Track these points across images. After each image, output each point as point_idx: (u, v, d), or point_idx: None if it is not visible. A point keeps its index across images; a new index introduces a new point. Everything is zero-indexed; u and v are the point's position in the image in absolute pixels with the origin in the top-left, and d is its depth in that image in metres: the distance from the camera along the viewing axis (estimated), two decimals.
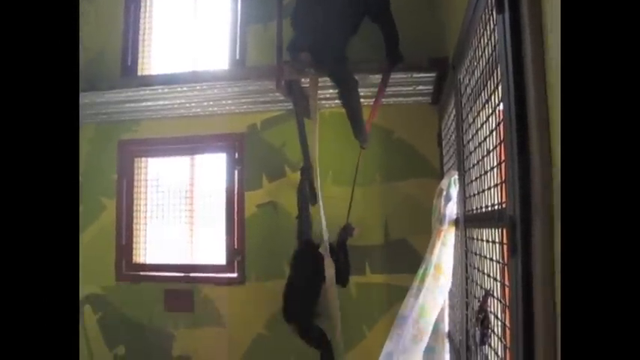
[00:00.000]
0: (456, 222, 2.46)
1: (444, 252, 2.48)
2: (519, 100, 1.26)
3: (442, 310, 2.70)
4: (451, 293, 2.72)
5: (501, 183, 1.44)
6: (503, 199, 1.41)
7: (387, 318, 3.72)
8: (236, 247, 4.18)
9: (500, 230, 1.50)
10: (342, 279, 3.52)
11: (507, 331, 1.41)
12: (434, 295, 2.46)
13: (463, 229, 2.25)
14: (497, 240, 1.52)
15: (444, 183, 2.59)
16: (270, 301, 4.05)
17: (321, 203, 3.44)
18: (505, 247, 1.39)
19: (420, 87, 3.61)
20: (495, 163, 1.53)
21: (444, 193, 2.51)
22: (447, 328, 2.85)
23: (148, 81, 3.80)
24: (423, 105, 3.89)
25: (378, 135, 3.94)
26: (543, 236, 1.15)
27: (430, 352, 2.75)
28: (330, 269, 3.37)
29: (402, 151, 3.93)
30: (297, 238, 3.65)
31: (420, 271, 2.51)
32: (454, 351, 2.66)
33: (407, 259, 3.70)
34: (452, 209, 2.47)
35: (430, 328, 2.51)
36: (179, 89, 3.71)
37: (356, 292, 3.92)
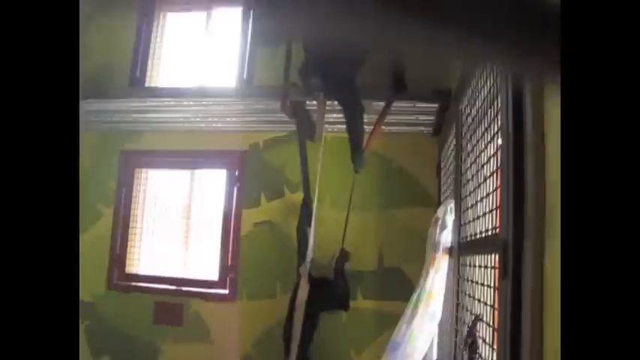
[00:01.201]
0: (450, 250, 2.49)
1: (436, 279, 2.49)
2: (517, 128, 1.30)
3: (432, 338, 2.71)
4: (440, 322, 2.73)
5: (496, 208, 1.47)
6: (497, 224, 1.44)
7: (376, 344, 3.71)
8: (229, 263, 4.18)
9: (492, 256, 1.52)
10: (344, 304, 3.53)
11: (495, 355, 1.42)
12: (423, 321, 2.47)
13: (457, 257, 2.27)
14: (489, 265, 1.55)
15: (440, 211, 2.62)
16: (259, 321, 4.04)
17: (313, 224, 3.45)
18: (496, 271, 1.42)
19: (422, 117, 3.66)
20: (491, 189, 1.56)
21: (440, 221, 2.54)
22: (435, 357, 2.85)
23: (155, 92, 3.86)
24: (424, 135, 3.94)
25: (378, 162, 3.99)
26: (534, 260, 1.18)
27: None
28: (303, 291, 3.36)
29: (400, 179, 3.97)
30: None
31: (414, 298, 2.53)
32: None
33: (400, 286, 3.70)
34: (447, 237, 2.49)
35: (417, 354, 2.51)
36: (185, 103, 3.76)
37: (346, 317, 3.91)
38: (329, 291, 3.47)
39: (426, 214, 3.49)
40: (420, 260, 2.88)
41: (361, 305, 3.92)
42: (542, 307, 1.17)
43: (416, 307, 2.47)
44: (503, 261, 1.29)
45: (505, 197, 1.32)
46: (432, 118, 3.63)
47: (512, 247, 1.25)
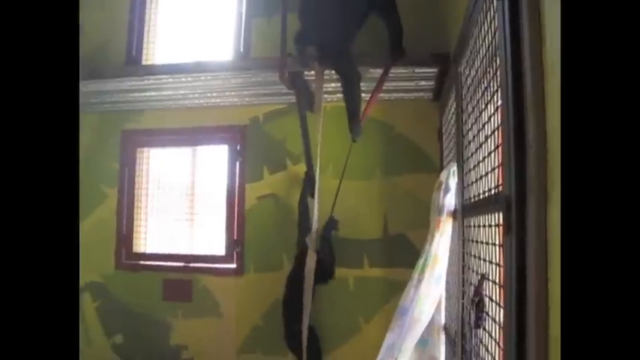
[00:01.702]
0: (454, 213, 2.49)
1: (441, 243, 2.50)
2: (517, 82, 1.29)
3: (438, 302, 2.72)
4: (447, 285, 2.75)
5: (498, 166, 1.47)
6: (500, 182, 1.44)
7: (384, 312, 3.75)
8: (235, 238, 4.21)
9: (496, 215, 1.52)
10: (324, 275, 3.55)
11: (501, 311, 1.43)
12: (429, 285, 2.48)
13: (461, 219, 2.28)
14: (493, 223, 1.55)
15: (443, 175, 2.62)
16: (268, 293, 4.08)
17: (316, 195, 3.45)
18: (501, 229, 1.42)
19: (422, 83, 3.64)
20: (493, 148, 1.55)
21: (443, 184, 2.54)
22: (443, 321, 2.87)
23: (153, 70, 3.83)
24: (425, 101, 3.92)
25: (379, 130, 3.98)
26: (537, 214, 1.18)
27: (423, 344, 2.77)
28: (311, 261, 3.38)
29: (402, 146, 3.96)
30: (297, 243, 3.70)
31: (420, 262, 2.54)
32: (449, 342, 2.68)
33: (405, 253, 3.72)
34: (450, 200, 2.50)
35: (424, 317, 2.53)
36: (183, 79, 3.74)
37: (353, 286, 3.95)
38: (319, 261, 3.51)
39: (428, 180, 3.48)
40: (424, 226, 2.88)
41: (368, 273, 3.95)
42: (547, 260, 1.17)
43: (422, 271, 2.49)
44: (506, 217, 1.29)
45: (507, 154, 1.32)
46: (432, 83, 3.60)
47: (516, 203, 1.25)
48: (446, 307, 2.86)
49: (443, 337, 2.82)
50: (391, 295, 3.70)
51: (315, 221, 3.42)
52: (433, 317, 2.71)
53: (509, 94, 1.31)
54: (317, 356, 3.68)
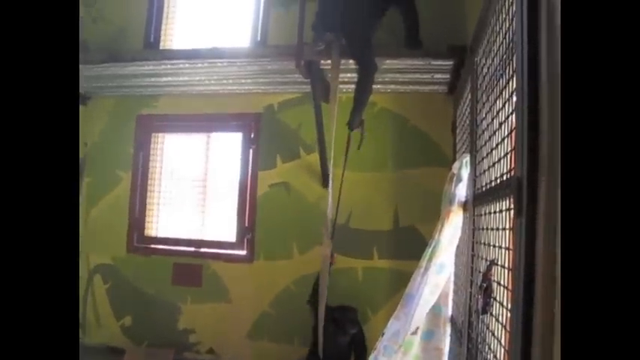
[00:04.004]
0: (465, 204, 2.49)
1: (449, 232, 2.50)
2: (532, 68, 1.29)
3: (445, 294, 2.72)
4: (456, 277, 2.75)
5: (511, 151, 1.48)
6: (512, 166, 1.45)
7: (392, 303, 3.74)
8: (247, 225, 4.24)
9: (507, 200, 1.53)
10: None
11: (509, 295, 1.44)
12: (433, 274, 2.48)
13: (472, 209, 2.28)
14: (504, 208, 1.55)
15: (455, 166, 2.62)
16: (276, 280, 4.11)
17: (330, 185, 3.44)
18: (511, 212, 1.43)
19: (438, 75, 3.64)
20: (506, 133, 1.56)
21: (455, 175, 2.54)
22: (450, 312, 2.87)
23: (170, 55, 3.87)
24: (440, 94, 3.91)
25: (393, 122, 3.99)
26: (548, 196, 1.19)
27: (429, 336, 2.77)
28: (327, 249, 3.36)
29: (416, 139, 3.97)
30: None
31: (428, 251, 2.54)
32: (455, 333, 2.69)
33: (415, 245, 3.70)
34: (461, 190, 2.50)
35: (427, 305, 2.53)
36: (199, 65, 3.77)
37: (362, 277, 3.96)
38: None
39: (441, 173, 3.49)
40: (435, 219, 2.87)
41: (377, 265, 3.96)
42: (556, 243, 1.18)
43: (430, 259, 2.49)
44: (517, 199, 1.29)
45: (520, 137, 1.32)
46: (448, 76, 3.60)
47: (527, 185, 1.25)
48: (453, 299, 2.86)
49: (449, 329, 2.82)
50: (399, 287, 3.68)
51: (330, 210, 3.41)
52: (440, 309, 2.71)
53: (525, 78, 1.31)
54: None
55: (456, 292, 2.84)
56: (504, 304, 1.53)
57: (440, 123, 3.87)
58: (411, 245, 3.77)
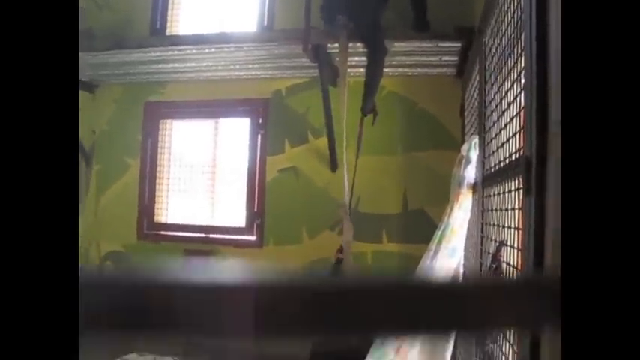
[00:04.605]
0: (474, 187, 2.48)
1: (459, 215, 2.49)
2: (540, 45, 1.27)
3: (455, 278, 2.72)
4: (465, 260, 2.74)
5: (520, 130, 1.47)
6: (522, 145, 1.44)
7: None
8: (256, 210, 4.25)
9: (517, 179, 1.52)
10: None
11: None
12: (444, 256, 2.48)
13: (481, 191, 2.27)
14: (513, 188, 1.55)
15: (464, 148, 2.61)
16: (286, 265, 4.12)
17: (345, 169, 3.42)
18: (520, 192, 1.42)
19: (446, 58, 3.61)
20: (515, 112, 1.55)
21: (464, 157, 2.53)
22: None
23: (176, 41, 3.86)
24: (448, 77, 3.89)
25: (401, 105, 3.97)
26: (557, 175, 1.18)
27: None
28: (348, 232, 3.37)
29: (424, 122, 3.95)
30: None
31: (437, 234, 2.53)
32: None
33: (424, 229, 3.70)
34: (470, 172, 2.48)
35: None
36: (206, 51, 3.76)
37: (372, 260, 3.97)
38: None
39: (449, 156, 3.46)
40: (444, 202, 2.86)
41: (386, 248, 3.96)
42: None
43: (439, 242, 2.48)
44: (526, 178, 1.28)
45: (529, 116, 1.31)
46: (456, 58, 3.57)
47: (536, 164, 1.24)
48: None
49: None
50: (409, 270, 3.70)
51: (347, 195, 3.41)
52: None
53: (533, 57, 1.30)
54: None
55: (464, 275, 2.84)
56: None
57: (448, 106, 3.85)
58: (420, 228, 3.76)
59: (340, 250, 3.54)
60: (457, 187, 2.53)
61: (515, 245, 1.51)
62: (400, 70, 3.87)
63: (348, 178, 3.46)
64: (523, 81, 1.45)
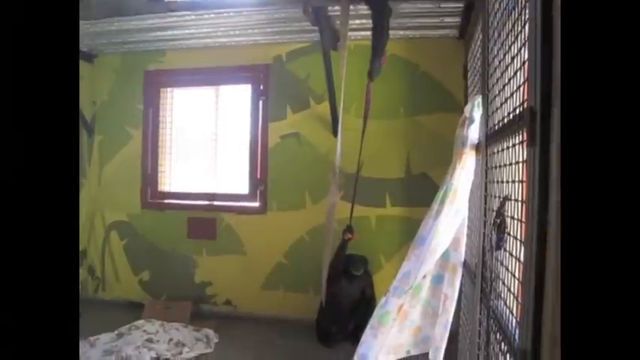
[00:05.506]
0: (477, 146, 2.47)
1: (462, 175, 2.49)
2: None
3: (457, 239, 2.72)
4: (469, 221, 2.75)
5: (524, 82, 1.45)
6: (525, 98, 1.43)
7: (405, 249, 3.75)
8: (259, 176, 4.25)
9: (521, 133, 1.51)
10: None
11: (523, 227, 1.44)
12: (448, 216, 2.48)
13: (484, 149, 2.26)
14: (517, 142, 1.54)
15: (467, 108, 2.59)
16: (290, 231, 4.15)
17: (340, 134, 3.40)
18: (524, 145, 1.41)
19: (448, 19, 3.57)
20: (518, 66, 1.53)
21: (468, 117, 2.51)
22: (462, 257, 2.87)
23: (174, 7, 3.79)
24: (450, 39, 3.85)
25: (404, 69, 3.94)
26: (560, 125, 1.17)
27: (438, 281, 2.79)
28: (334, 197, 3.36)
29: (427, 85, 3.92)
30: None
31: (440, 194, 2.53)
32: (469, 276, 2.70)
33: (427, 192, 3.69)
34: (474, 132, 2.47)
35: (439, 248, 2.53)
36: (205, 16, 3.71)
37: (375, 224, 3.99)
38: None
39: (452, 119, 3.43)
40: (447, 165, 2.86)
41: (389, 212, 3.98)
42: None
43: (442, 202, 2.49)
44: (530, 128, 1.28)
45: (533, 67, 1.30)
46: (458, 19, 3.53)
47: (540, 115, 1.24)
48: (467, 244, 2.86)
49: (459, 273, 2.81)
50: (412, 233, 3.66)
51: (338, 159, 3.39)
52: (449, 254, 2.72)
53: (538, 8, 1.28)
54: None
55: (469, 236, 2.84)
56: (518, 237, 1.53)
57: (451, 69, 3.82)
58: (423, 192, 3.77)
59: (349, 229, 3.57)
60: (460, 146, 2.51)
61: (520, 198, 1.51)
62: (402, 32, 3.82)
63: (346, 142, 3.44)
64: (527, 33, 1.43)
